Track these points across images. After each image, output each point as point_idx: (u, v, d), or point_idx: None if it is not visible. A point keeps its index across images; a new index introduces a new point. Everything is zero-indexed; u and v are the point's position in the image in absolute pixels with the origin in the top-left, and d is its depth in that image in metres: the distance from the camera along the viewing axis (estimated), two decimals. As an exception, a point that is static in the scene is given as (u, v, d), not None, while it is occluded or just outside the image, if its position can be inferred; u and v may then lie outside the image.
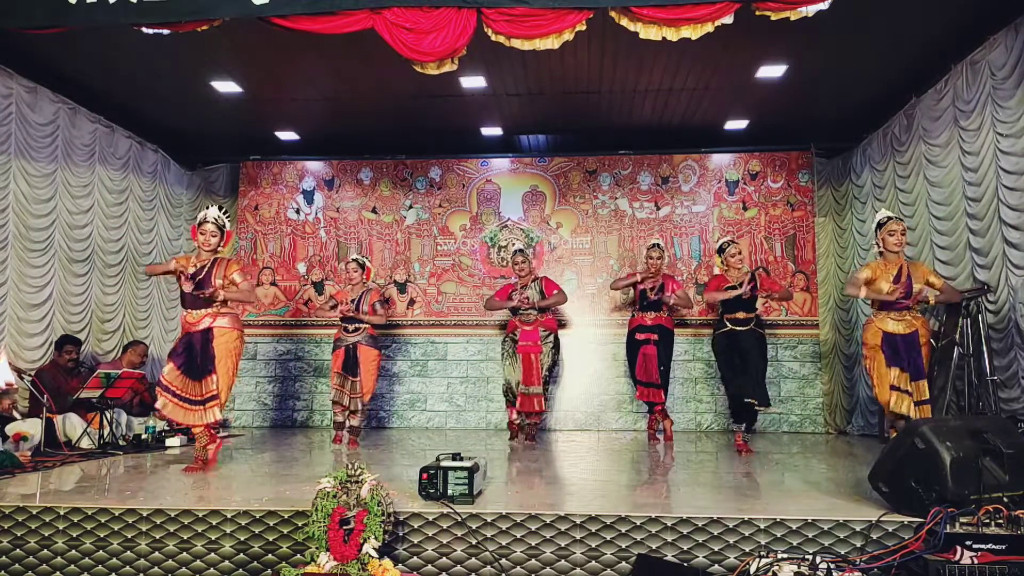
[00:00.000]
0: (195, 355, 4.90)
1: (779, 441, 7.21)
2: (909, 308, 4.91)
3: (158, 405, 4.95)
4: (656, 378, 6.86)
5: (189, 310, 4.98)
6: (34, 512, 3.67)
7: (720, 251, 6.42)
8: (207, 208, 5.20)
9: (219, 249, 5.10)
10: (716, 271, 6.71)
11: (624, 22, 4.57)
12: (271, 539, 3.57)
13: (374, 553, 3.23)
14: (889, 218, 5.13)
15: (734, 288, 6.15)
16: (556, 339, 7.00)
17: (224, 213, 5.22)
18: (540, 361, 6.78)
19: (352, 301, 6.67)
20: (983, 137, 5.65)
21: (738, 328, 6.17)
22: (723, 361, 6.36)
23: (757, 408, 6.10)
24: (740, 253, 6.37)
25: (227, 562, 3.55)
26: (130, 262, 7.91)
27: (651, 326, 6.91)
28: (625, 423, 8.10)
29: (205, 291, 4.88)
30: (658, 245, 7.03)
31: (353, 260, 6.85)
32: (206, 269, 4.99)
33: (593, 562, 3.45)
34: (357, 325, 6.65)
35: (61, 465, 5.21)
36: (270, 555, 3.55)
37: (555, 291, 6.98)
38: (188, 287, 4.90)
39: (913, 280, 4.95)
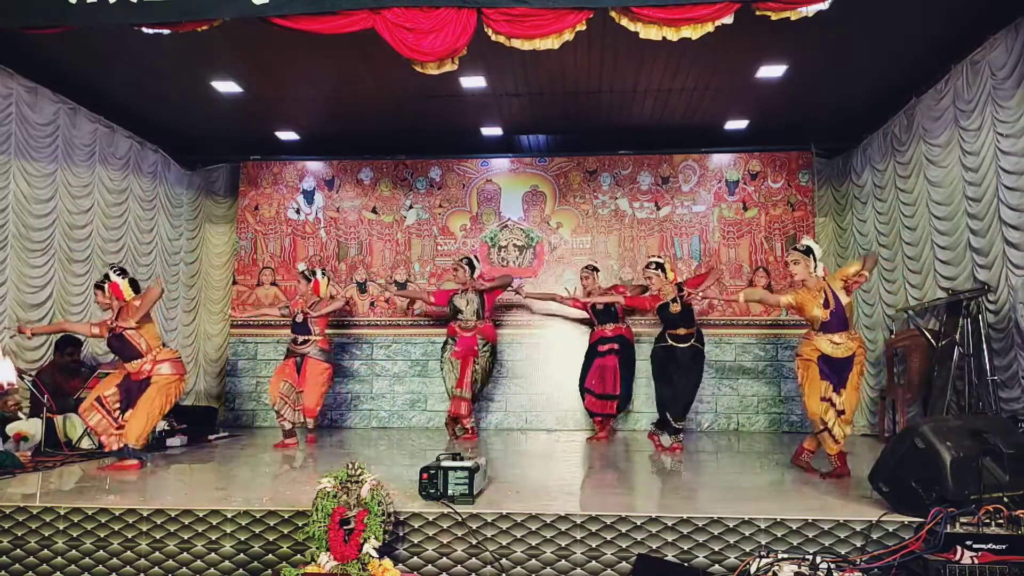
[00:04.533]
0: (131, 394, 5.20)
1: (779, 441, 7.21)
2: (846, 328, 4.81)
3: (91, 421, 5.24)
4: (613, 390, 6.97)
5: (124, 362, 5.30)
6: (34, 512, 3.67)
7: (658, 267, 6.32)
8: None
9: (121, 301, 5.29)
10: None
11: (624, 22, 4.57)
12: (271, 539, 3.57)
13: (374, 553, 3.24)
14: (793, 248, 5.01)
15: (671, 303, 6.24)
16: (493, 349, 7.19)
17: (113, 270, 5.40)
18: (474, 366, 6.91)
19: (301, 311, 6.60)
20: (983, 137, 5.65)
21: (678, 345, 6.26)
22: (657, 372, 6.43)
23: (675, 424, 6.22)
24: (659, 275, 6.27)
25: (227, 562, 3.56)
26: (130, 262, 7.90)
27: (612, 337, 7.05)
28: (625, 423, 8.09)
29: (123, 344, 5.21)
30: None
31: (300, 273, 6.83)
32: (113, 321, 5.25)
33: (593, 562, 3.45)
34: (307, 337, 6.55)
35: (61, 465, 5.22)
36: (270, 555, 3.55)
37: (494, 277, 7.28)
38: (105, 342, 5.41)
39: (839, 297, 4.79)
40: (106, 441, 5.21)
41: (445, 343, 7.23)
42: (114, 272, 5.33)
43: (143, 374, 5.17)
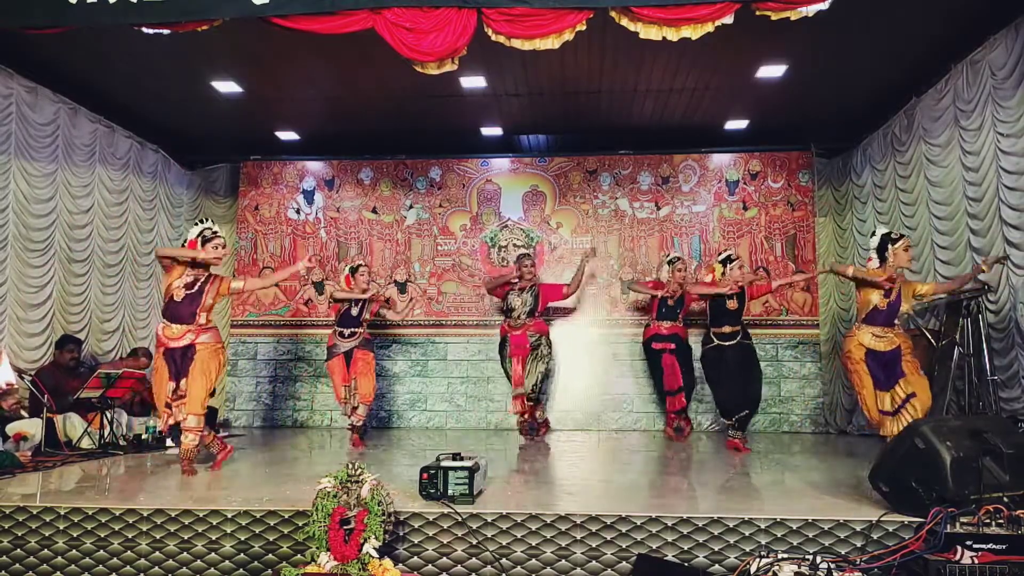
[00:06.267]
0: (178, 365, 4.93)
1: (779, 441, 7.21)
2: (892, 325, 4.97)
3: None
4: (678, 384, 6.92)
5: (168, 323, 4.95)
6: (34, 512, 3.67)
7: (724, 263, 6.52)
8: (203, 221, 5.12)
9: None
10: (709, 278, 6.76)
11: (624, 22, 4.57)
12: (271, 539, 3.57)
13: (374, 553, 3.24)
14: (902, 235, 5.22)
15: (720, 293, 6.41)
16: (549, 342, 7.13)
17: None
18: (530, 366, 6.90)
19: (356, 303, 6.61)
20: (983, 137, 5.65)
21: (725, 343, 6.36)
22: (709, 375, 6.57)
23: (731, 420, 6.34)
24: (741, 268, 6.51)
25: (227, 562, 3.56)
26: (130, 262, 7.91)
27: (667, 335, 7.00)
28: (625, 423, 8.09)
29: (195, 307, 4.93)
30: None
31: (365, 266, 6.78)
32: (200, 283, 4.98)
33: (593, 562, 3.45)
34: (355, 330, 6.56)
35: (61, 465, 5.22)
36: (270, 555, 3.55)
37: (562, 289, 7.24)
38: (180, 295, 4.92)
39: (903, 300, 4.98)
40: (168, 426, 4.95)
41: (501, 342, 7.18)
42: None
43: (185, 341, 4.91)
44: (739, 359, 6.35)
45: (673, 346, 6.97)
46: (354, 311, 6.57)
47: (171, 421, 4.93)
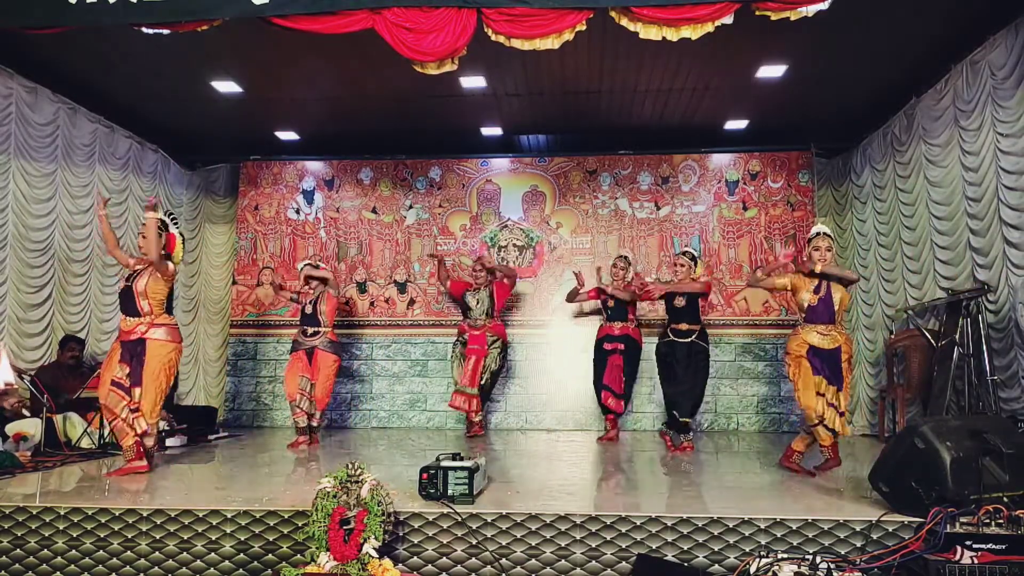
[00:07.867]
0: (133, 359, 4.86)
1: (779, 441, 7.19)
2: (834, 322, 4.88)
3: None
4: (620, 388, 6.94)
5: (123, 316, 4.95)
6: (34, 512, 3.67)
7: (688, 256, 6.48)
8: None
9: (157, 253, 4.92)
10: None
11: (624, 22, 4.57)
12: (271, 539, 3.58)
13: (374, 553, 3.24)
14: (818, 233, 5.02)
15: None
16: (504, 345, 7.34)
17: (170, 217, 5.15)
18: (484, 364, 7.08)
19: (310, 302, 6.61)
20: (983, 137, 5.65)
21: (678, 340, 6.33)
22: (661, 370, 6.54)
23: (681, 420, 6.26)
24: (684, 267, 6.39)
25: (227, 562, 3.56)
26: (130, 262, 7.91)
27: (618, 336, 7.02)
28: (625, 423, 8.08)
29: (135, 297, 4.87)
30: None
31: (311, 264, 6.75)
32: (139, 271, 4.95)
33: (593, 562, 3.45)
34: (316, 328, 6.53)
35: (61, 465, 5.22)
36: (270, 555, 3.55)
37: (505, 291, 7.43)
38: (122, 284, 4.98)
39: (833, 293, 4.87)
40: (129, 428, 4.77)
41: (455, 341, 7.42)
42: (174, 224, 5.10)
43: (136, 334, 4.85)
44: (687, 360, 6.26)
45: (623, 347, 6.95)
46: (308, 309, 6.59)
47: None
